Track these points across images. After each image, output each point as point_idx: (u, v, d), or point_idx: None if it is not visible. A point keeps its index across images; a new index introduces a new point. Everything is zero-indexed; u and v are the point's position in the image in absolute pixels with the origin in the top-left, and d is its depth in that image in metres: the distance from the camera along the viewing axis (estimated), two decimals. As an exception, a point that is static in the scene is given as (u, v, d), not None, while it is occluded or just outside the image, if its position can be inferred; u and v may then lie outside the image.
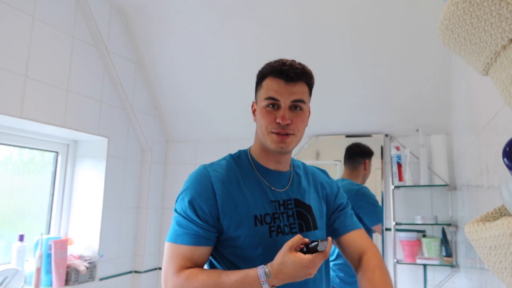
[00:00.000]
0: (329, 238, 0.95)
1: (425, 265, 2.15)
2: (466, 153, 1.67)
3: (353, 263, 1.16)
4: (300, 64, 1.10)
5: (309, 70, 1.12)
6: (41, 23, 1.97)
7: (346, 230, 1.18)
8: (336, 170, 2.54)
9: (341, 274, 2.01)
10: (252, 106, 1.18)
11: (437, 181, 2.13)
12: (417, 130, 2.23)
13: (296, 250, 0.93)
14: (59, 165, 2.36)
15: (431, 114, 2.24)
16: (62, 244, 2.11)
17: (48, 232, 2.30)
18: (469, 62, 0.49)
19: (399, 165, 2.21)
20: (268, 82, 1.10)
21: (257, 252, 1.02)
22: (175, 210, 1.07)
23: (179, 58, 2.49)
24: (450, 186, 2.11)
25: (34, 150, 2.26)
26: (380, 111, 2.33)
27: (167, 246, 1.05)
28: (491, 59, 0.43)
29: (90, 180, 2.37)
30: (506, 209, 0.47)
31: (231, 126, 2.67)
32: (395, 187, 2.20)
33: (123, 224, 2.53)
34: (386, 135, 2.37)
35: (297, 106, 1.08)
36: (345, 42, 2.12)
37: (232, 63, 2.40)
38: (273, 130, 1.06)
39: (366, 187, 2.20)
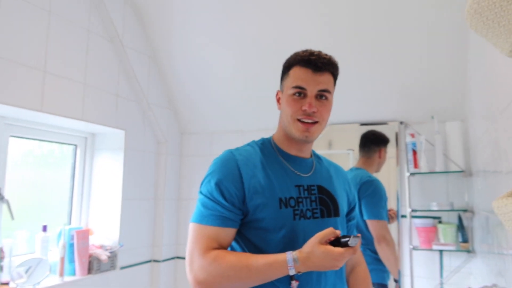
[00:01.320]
0: (359, 236, 0.99)
1: (441, 251, 2.16)
2: (483, 139, 1.67)
3: (346, 270, 1.25)
4: (327, 54, 1.13)
5: (335, 61, 1.15)
6: (57, 18, 2.01)
7: None
8: (349, 159, 2.54)
9: None
10: (277, 94, 1.21)
11: (453, 168, 2.13)
12: (432, 117, 2.23)
13: (326, 242, 0.96)
14: (78, 158, 2.41)
15: (446, 101, 2.23)
16: (84, 234, 2.17)
17: (70, 223, 2.36)
18: (496, 44, 0.50)
19: (414, 152, 2.21)
20: (295, 71, 1.12)
21: (280, 234, 1.05)
22: (201, 192, 1.09)
23: (193, 51, 2.52)
24: (466, 172, 2.11)
25: (54, 144, 2.31)
26: (394, 99, 2.33)
27: (192, 227, 1.06)
28: (519, 40, 0.45)
29: (108, 172, 2.42)
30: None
31: (246, 117, 2.69)
32: (410, 174, 2.20)
33: (141, 215, 2.58)
34: (401, 123, 2.37)
35: (323, 96, 1.11)
36: (361, 30, 2.12)
37: (247, 55, 2.41)
38: (299, 117, 1.09)
39: (378, 181, 2.15)
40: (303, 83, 1.09)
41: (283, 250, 1.02)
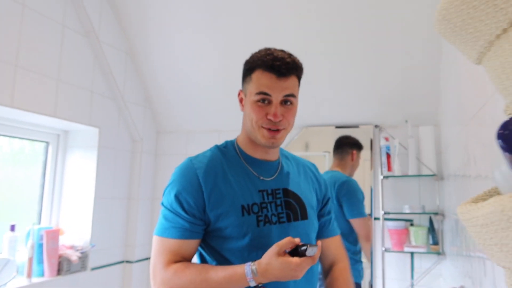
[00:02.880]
0: (319, 244, 0.97)
1: (412, 253, 2.20)
2: (454, 144, 1.72)
3: (324, 267, 1.22)
4: (289, 56, 1.07)
5: (299, 62, 1.10)
6: (31, 12, 1.95)
7: (326, 235, 1.22)
8: (325, 161, 2.57)
9: None
10: (239, 94, 1.14)
11: (425, 171, 2.18)
12: (406, 121, 2.28)
13: (284, 252, 0.94)
14: (49, 156, 2.34)
15: (420, 105, 2.28)
16: (53, 234, 2.11)
17: (39, 223, 2.29)
18: (463, 51, 0.51)
19: (388, 156, 2.25)
20: (258, 76, 1.05)
21: (245, 242, 1.03)
22: (162, 204, 1.07)
23: (171, 49, 2.49)
24: (437, 176, 2.16)
25: (25, 140, 2.24)
26: (370, 103, 2.36)
27: (155, 240, 1.05)
28: (485, 48, 0.46)
29: (81, 171, 2.36)
30: (495, 191, 0.50)
31: (222, 117, 2.68)
32: (384, 177, 2.24)
33: (114, 215, 2.53)
34: (376, 126, 2.41)
35: (288, 101, 1.06)
36: (336, 34, 2.14)
37: (224, 55, 2.40)
38: (264, 126, 1.05)
39: (353, 180, 2.23)
40: (267, 90, 1.03)
41: (248, 257, 1.01)
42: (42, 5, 2.00)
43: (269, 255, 0.94)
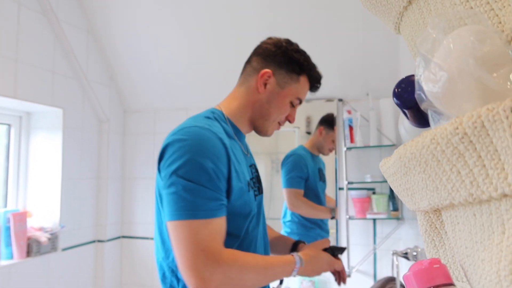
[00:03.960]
0: (345, 248, 1.17)
1: (374, 220, 2.32)
2: (409, 114, 1.80)
3: None
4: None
5: None
6: (-18, -12, 1.88)
7: None
8: (294, 136, 2.63)
9: (288, 230, 2.38)
10: (265, 74, 1.10)
11: (386, 142, 2.27)
12: (367, 94, 2.35)
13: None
14: (12, 138, 2.30)
15: (380, 79, 2.36)
16: (21, 217, 2.10)
17: (5, 206, 2.27)
18: (384, 22, 0.56)
19: (351, 128, 2.33)
20: (304, 84, 1.17)
21: (250, 216, 1.02)
22: (186, 179, 0.87)
23: (134, 26, 2.45)
24: (397, 146, 2.26)
25: (-16, 123, 2.19)
26: (333, 77, 2.42)
27: (185, 225, 0.85)
28: (398, 18, 0.51)
29: (46, 152, 2.34)
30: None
31: (190, 94, 2.69)
32: (347, 148, 2.33)
33: (83, 195, 2.53)
34: (339, 100, 2.47)
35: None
36: (296, 10, 2.17)
37: (190, 30, 2.39)
38: (280, 122, 1.16)
39: (295, 155, 2.45)
40: (304, 98, 1.17)
41: (250, 232, 1.02)
42: (-6, -18, 1.93)
43: (316, 248, 1.08)
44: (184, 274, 0.86)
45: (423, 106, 0.37)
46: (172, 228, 0.88)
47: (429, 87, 0.34)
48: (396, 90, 0.44)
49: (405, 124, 0.48)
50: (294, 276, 1.01)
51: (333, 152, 2.44)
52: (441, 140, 0.32)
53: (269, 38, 1.21)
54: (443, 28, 0.33)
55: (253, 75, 1.12)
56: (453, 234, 0.39)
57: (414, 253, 1.59)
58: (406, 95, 0.43)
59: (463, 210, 0.35)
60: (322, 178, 2.45)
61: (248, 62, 1.17)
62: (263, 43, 1.19)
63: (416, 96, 0.37)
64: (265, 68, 1.11)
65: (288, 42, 1.18)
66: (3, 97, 1.99)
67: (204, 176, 0.88)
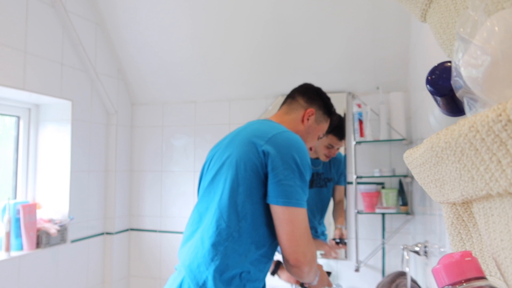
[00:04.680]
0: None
1: (383, 214, 2.31)
2: (420, 109, 1.78)
3: None
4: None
5: None
6: (-8, -21, 1.87)
7: None
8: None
9: None
10: (310, 112, 1.49)
11: (395, 136, 2.25)
12: (378, 88, 2.33)
13: None
14: (21, 130, 2.31)
15: (391, 72, 2.33)
16: (30, 208, 2.11)
17: (15, 198, 2.28)
18: (410, 10, 0.54)
19: (360, 122, 2.31)
20: (328, 124, 1.61)
21: None
22: (304, 176, 1.20)
23: (142, 17, 2.44)
24: (407, 140, 2.24)
25: (-6, 115, 2.19)
26: (343, 71, 2.40)
27: (300, 212, 1.17)
28: (426, 5, 0.49)
29: (55, 144, 2.34)
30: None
31: (198, 87, 2.68)
32: (356, 142, 2.31)
33: (92, 187, 2.53)
34: (349, 93, 2.45)
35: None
36: (308, 2, 2.14)
37: (197, 23, 2.37)
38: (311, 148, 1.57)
39: None
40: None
41: None
42: (3, -27, 1.92)
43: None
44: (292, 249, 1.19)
45: (459, 93, 0.36)
46: (285, 211, 1.17)
47: (469, 72, 0.32)
48: (429, 77, 0.43)
49: (435, 113, 0.46)
50: (307, 282, 1.38)
51: (343, 145, 2.42)
52: (481, 128, 0.31)
53: (307, 83, 1.62)
54: (485, 10, 0.32)
55: (300, 110, 1.49)
56: (486, 226, 0.38)
57: (425, 248, 1.58)
58: (441, 82, 0.41)
59: (499, 202, 0.34)
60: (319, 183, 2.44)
61: (292, 97, 1.54)
62: (304, 86, 1.59)
63: (452, 82, 0.36)
64: (310, 108, 1.50)
65: (321, 90, 1.61)
66: (13, 89, 1.99)
67: (309, 175, 1.25)
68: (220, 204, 1.20)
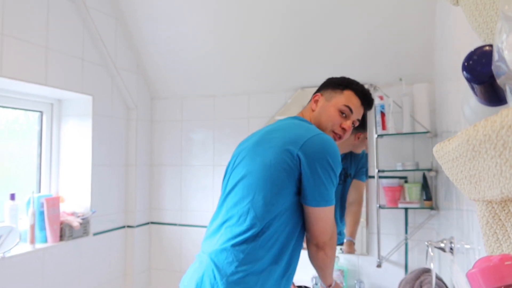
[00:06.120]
0: None
1: (406, 209, 2.25)
2: (447, 101, 1.71)
3: None
4: (371, 94, 1.56)
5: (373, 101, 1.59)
6: (13, -24, 1.89)
7: None
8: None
9: None
10: (316, 96, 1.53)
11: (419, 129, 2.18)
12: (401, 79, 2.26)
13: None
14: (44, 125, 2.35)
15: (414, 63, 2.26)
16: (54, 202, 2.15)
17: (39, 191, 2.32)
18: (441, -9, 0.51)
19: (383, 114, 2.25)
20: (349, 94, 1.48)
21: None
22: (334, 175, 1.28)
23: (161, 12, 2.43)
24: (431, 133, 2.17)
25: (18, 110, 2.23)
26: (364, 62, 2.34)
27: (330, 209, 1.29)
28: (460, -14, 0.45)
29: (77, 139, 2.37)
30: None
31: (217, 81, 2.66)
32: (378, 135, 2.25)
33: (113, 181, 2.56)
34: (371, 85, 2.39)
35: (355, 123, 1.50)
36: (329, -10, 2.09)
37: (218, 16, 2.35)
38: (335, 131, 1.46)
39: None
40: (353, 107, 1.46)
41: None
42: (25, -30, 1.94)
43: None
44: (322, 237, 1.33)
45: (500, 80, 0.33)
46: (320, 211, 1.28)
47: (514, 56, 0.29)
48: (466, 63, 0.39)
49: (471, 103, 0.43)
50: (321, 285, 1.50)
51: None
52: (528, 119, 0.28)
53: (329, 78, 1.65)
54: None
55: (308, 101, 1.58)
56: (528, 226, 0.34)
57: (451, 244, 1.53)
58: (480, 68, 0.37)
59: (545, 200, 0.31)
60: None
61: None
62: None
63: (493, 68, 0.32)
64: (317, 93, 1.56)
65: (336, 77, 1.59)
66: (35, 85, 2.01)
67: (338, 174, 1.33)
68: (253, 203, 1.27)
